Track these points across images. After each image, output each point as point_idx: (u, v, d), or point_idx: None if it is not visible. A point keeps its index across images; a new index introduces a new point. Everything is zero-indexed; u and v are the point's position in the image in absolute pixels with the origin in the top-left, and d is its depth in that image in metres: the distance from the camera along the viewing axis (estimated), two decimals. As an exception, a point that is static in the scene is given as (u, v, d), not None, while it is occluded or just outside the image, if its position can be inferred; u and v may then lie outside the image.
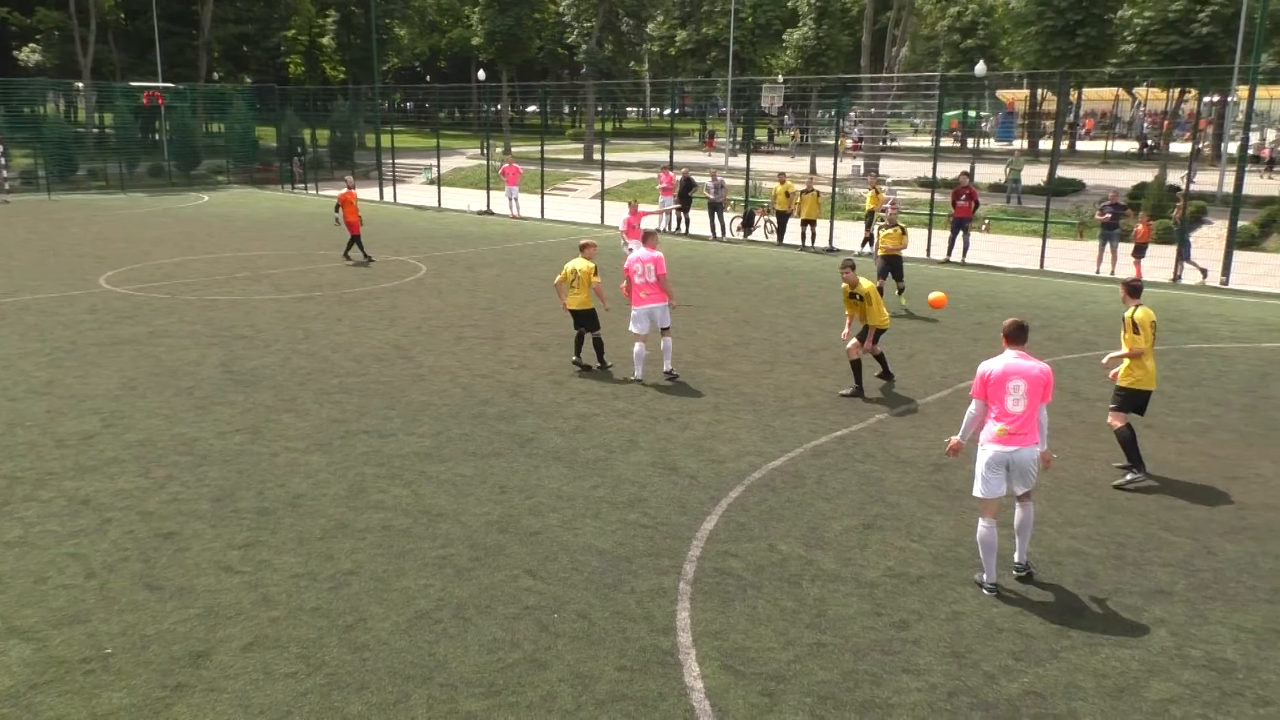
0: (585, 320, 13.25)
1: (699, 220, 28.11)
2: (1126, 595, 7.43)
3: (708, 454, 10.33)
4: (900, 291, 17.74)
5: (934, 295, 13.80)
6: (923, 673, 6.41)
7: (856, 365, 12.40)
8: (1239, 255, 21.48)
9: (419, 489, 9.37)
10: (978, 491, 7.52)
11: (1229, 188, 23.51)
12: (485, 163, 39.98)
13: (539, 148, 34.29)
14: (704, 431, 11.05)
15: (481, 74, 55.92)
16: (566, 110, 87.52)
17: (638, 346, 12.88)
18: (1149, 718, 5.96)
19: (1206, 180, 32.80)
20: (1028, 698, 6.15)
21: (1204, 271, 20.68)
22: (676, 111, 71.46)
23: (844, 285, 12.41)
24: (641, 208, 20.19)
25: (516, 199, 32.38)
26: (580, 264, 13.04)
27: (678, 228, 28.58)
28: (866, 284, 12.33)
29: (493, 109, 61.81)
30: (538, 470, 9.85)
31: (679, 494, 9.28)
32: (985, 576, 7.52)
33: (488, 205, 34.25)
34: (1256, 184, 31.96)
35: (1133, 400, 9.68)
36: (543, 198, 33.20)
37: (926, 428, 11.23)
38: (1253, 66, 22.12)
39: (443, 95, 62.04)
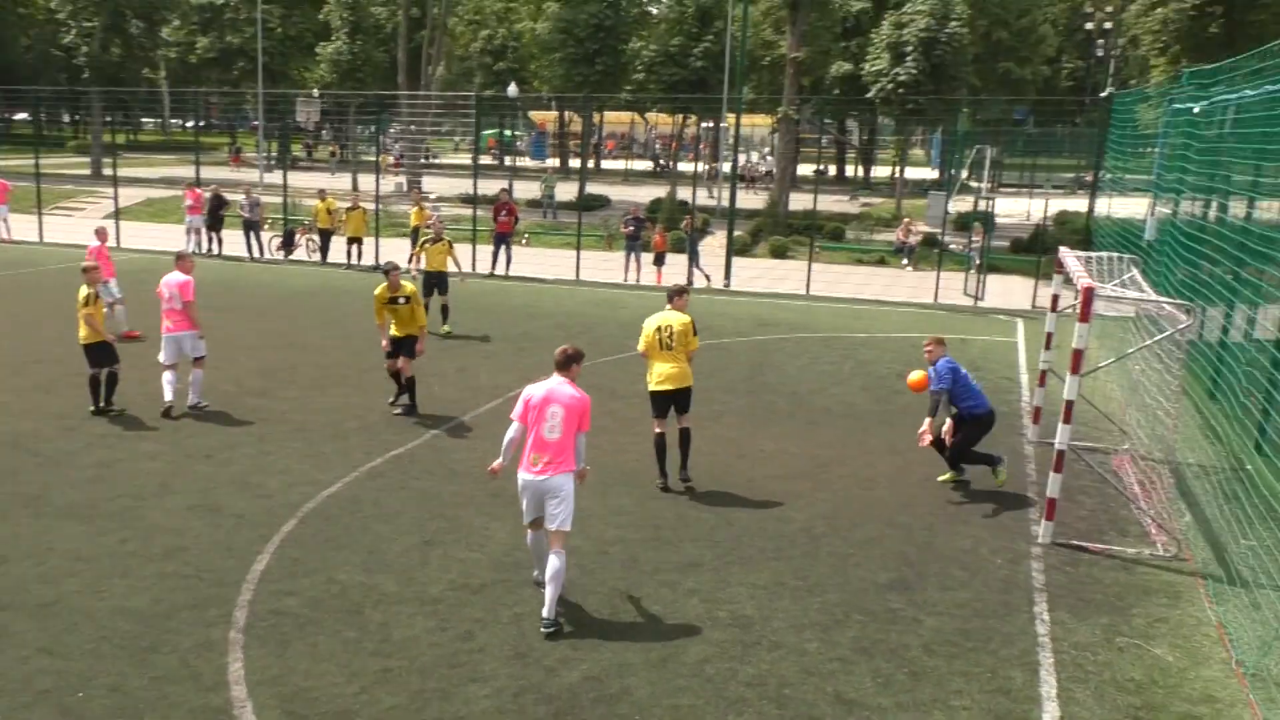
0: (101, 356, 11.83)
1: (234, 240, 26.32)
2: (665, 572, 8.21)
3: (255, 489, 9.72)
4: (444, 315, 17.22)
5: (913, 377, 11.09)
6: (489, 679, 6.58)
7: (399, 377, 12.43)
8: (736, 261, 24.65)
9: (-113, 573, 7.76)
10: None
11: (726, 202, 26.89)
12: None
13: (34, 160, 29.92)
14: (249, 466, 10.37)
15: (-51, 75, 47.67)
16: (68, 119, 77.46)
17: (167, 374, 11.96)
18: (690, 680, 6.64)
19: (706, 196, 37.20)
20: (586, 683, 6.56)
21: (708, 276, 23.45)
22: (202, 124, 66.29)
23: (381, 291, 12.23)
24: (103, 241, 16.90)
25: (6, 219, 28.00)
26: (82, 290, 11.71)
27: (209, 249, 26.53)
28: (411, 286, 12.38)
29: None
30: (49, 531, 8.61)
31: (224, 537, 8.62)
32: (536, 574, 7.78)
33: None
34: (747, 199, 36.90)
35: (653, 404, 10.16)
36: (40, 218, 29.04)
37: (480, 439, 11.52)
38: (738, 97, 25.51)
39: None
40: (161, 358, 12.00)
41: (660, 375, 9.97)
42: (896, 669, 6.81)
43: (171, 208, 34.37)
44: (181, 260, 12.43)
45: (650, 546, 8.71)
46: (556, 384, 7.56)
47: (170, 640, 6.92)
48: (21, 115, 72.01)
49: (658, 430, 10.06)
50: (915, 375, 10.87)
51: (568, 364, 7.66)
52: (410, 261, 23.39)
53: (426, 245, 17.21)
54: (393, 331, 12.37)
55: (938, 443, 10.15)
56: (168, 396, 11.91)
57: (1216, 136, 14.56)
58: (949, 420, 10.23)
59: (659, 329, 9.97)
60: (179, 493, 9.59)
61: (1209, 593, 8.05)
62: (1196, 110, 15.47)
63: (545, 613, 7.23)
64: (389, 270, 12.27)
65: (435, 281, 17.17)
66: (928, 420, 9.95)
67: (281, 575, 7.94)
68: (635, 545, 8.72)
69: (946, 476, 10.45)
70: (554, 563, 7.25)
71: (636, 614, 7.52)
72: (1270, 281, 11.12)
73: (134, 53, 50.03)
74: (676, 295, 10.33)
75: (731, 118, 30.55)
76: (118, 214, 29.38)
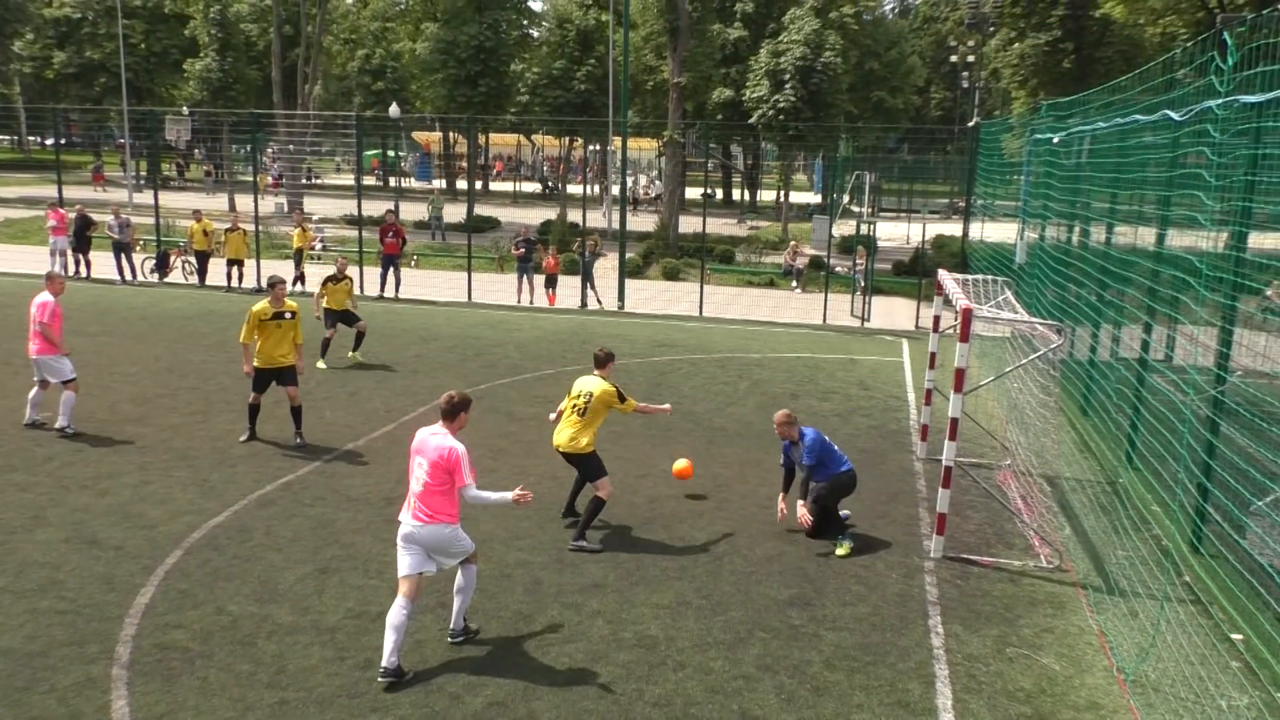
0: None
1: (104, 262, 25.12)
2: (569, 594, 8.17)
3: (136, 520, 9.27)
4: (357, 343, 16.71)
5: (679, 466, 10.83)
6: (391, 708, 6.42)
7: (256, 414, 11.93)
8: (629, 283, 24.83)
9: None
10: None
11: (617, 224, 27.10)
12: None
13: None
14: (130, 495, 9.89)
15: None
16: (-90, 135, 72.83)
17: (32, 392, 11.93)
18: (596, 702, 6.61)
19: (597, 218, 37.41)
20: (491, 709, 6.47)
21: (600, 300, 23.55)
22: (63, 141, 63.15)
23: (261, 307, 11.60)
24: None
25: None
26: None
27: (77, 271, 25.25)
28: (294, 304, 11.98)
29: None
30: (-93, 571, 8.03)
31: (104, 569, 8.19)
32: (384, 660, 6.68)
33: None
34: (637, 221, 37.27)
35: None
36: (-115, 239, 27.18)
37: (375, 463, 11.27)
38: (623, 121, 25.80)
39: None
40: (35, 378, 12.00)
41: (555, 436, 9.45)
42: (799, 685, 6.93)
43: (33, 229, 32.61)
44: (50, 281, 12.09)
45: (553, 569, 8.65)
46: (429, 434, 7.06)
47: (47, 679, 6.53)
48: None
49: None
50: (680, 464, 10.59)
51: (453, 413, 7.09)
52: (295, 283, 22.78)
53: (330, 285, 16.34)
54: (256, 362, 11.59)
55: (816, 525, 9.43)
56: (27, 414, 11.95)
57: (1075, 165, 15.46)
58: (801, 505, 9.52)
59: (576, 395, 9.38)
60: (53, 525, 9.07)
61: (1090, 602, 8.45)
62: (1056, 140, 16.40)
63: (453, 623, 7.30)
64: (274, 284, 11.75)
65: (340, 317, 16.39)
66: (801, 503, 9.44)
67: (167, 608, 7.58)
68: (538, 568, 8.65)
69: (844, 550, 9.24)
70: (461, 579, 7.20)
71: (541, 637, 7.45)
72: (1130, 303, 11.85)
73: (-16, 66, 47.43)
74: (602, 363, 9.61)
75: (618, 141, 30.88)
76: (-27, 233, 27.74)
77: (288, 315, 11.79)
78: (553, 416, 9.76)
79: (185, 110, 47.26)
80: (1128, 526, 8.58)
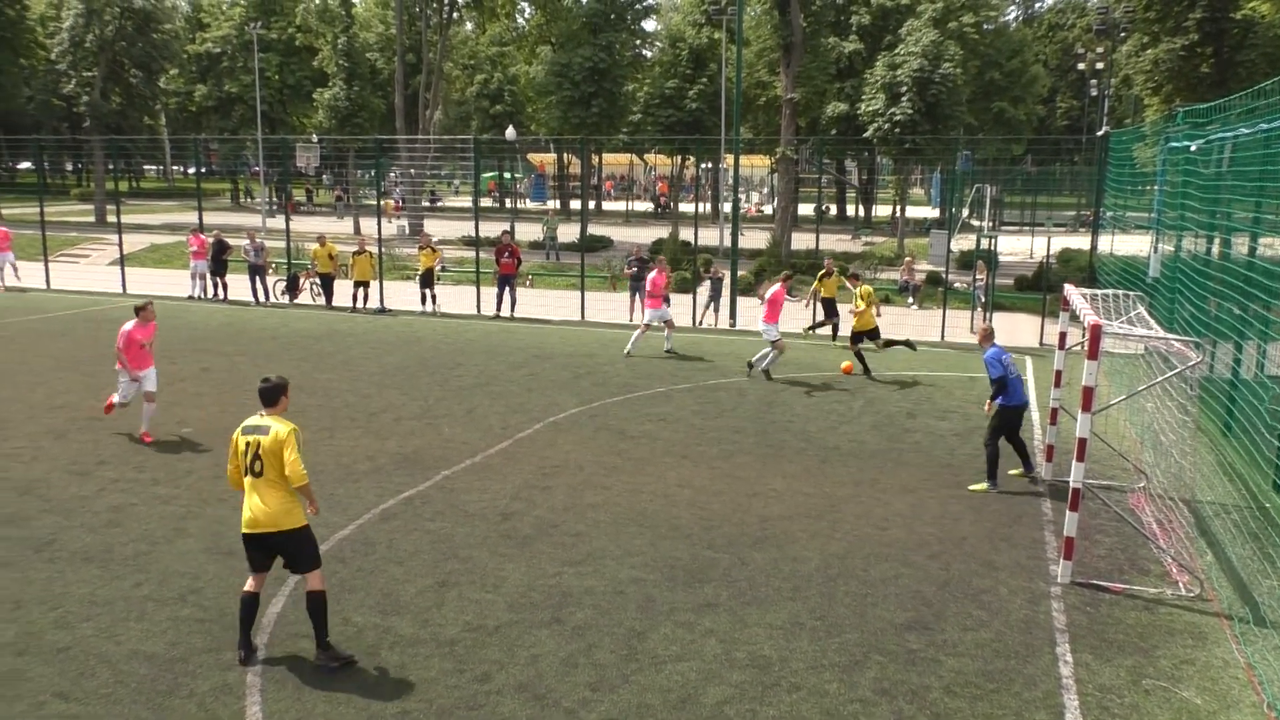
0: None
1: (239, 285, 26.43)
2: (681, 612, 8.16)
3: (268, 532, 9.67)
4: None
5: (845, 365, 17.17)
6: (509, 721, 6.52)
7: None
8: (740, 300, 24.73)
9: (-100, 620, 7.71)
10: None
11: (729, 242, 27.04)
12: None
13: (38, 209, 30.08)
14: (262, 509, 10.33)
15: (-48, 125, 48.06)
16: (70, 168, 78.12)
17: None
18: (710, 721, 6.57)
19: (710, 236, 37.42)
20: (606, 725, 6.50)
21: (715, 319, 23.54)
22: (203, 170, 66.76)
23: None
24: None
25: (14, 266, 28.10)
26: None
27: (215, 294, 26.64)
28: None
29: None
30: (62, 576, 8.57)
31: (239, 580, 8.50)
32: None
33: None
34: (749, 238, 37.13)
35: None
36: (47, 265, 29.18)
37: (492, 479, 11.49)
38: (735, 138, 25.77)
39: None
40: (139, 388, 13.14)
41: (246, 511, 7.17)
42: (919, 711, 6.75)
43: (176, 253, 34.53)
44: (144, 311, 13.21)
45: (666, 587, 8.66)
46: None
47: (187, 684, 6.87)
48: (25, 164, 72.62)
49: (247, 588, 7.31)
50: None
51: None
52: (425, 302, 23.38)
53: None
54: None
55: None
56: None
57: (1215, 174, 14.70)
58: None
59: (246, 444, 7.16)
60: (193, 536, 9.56)
61: (1235, 634, 7.98)
62: (1193, 148, 15.62)
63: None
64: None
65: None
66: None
67: (297, 618, 7.87)
68: (650, 585, 8.67)
69: (979, 487, 11.41)
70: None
71: (654, 655, 7.46)
72: (1278, 316, 11.18)
73: (134, 101, 50.58)
74: (271, 399, 7.30)
75: (729, 158, 30.84)
76: (123, 260, 29.55)
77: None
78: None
79: (314, 138, 49.47)
80: (1276, 556, 8.07)
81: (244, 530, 7.21)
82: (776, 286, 17.53)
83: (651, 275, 19.74)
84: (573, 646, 7.54)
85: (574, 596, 8.38)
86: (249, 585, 7.29)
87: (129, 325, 12.96)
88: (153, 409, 12.98)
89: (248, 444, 7.14)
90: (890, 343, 18.19)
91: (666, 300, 20.12)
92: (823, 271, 20.72)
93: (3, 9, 48.64)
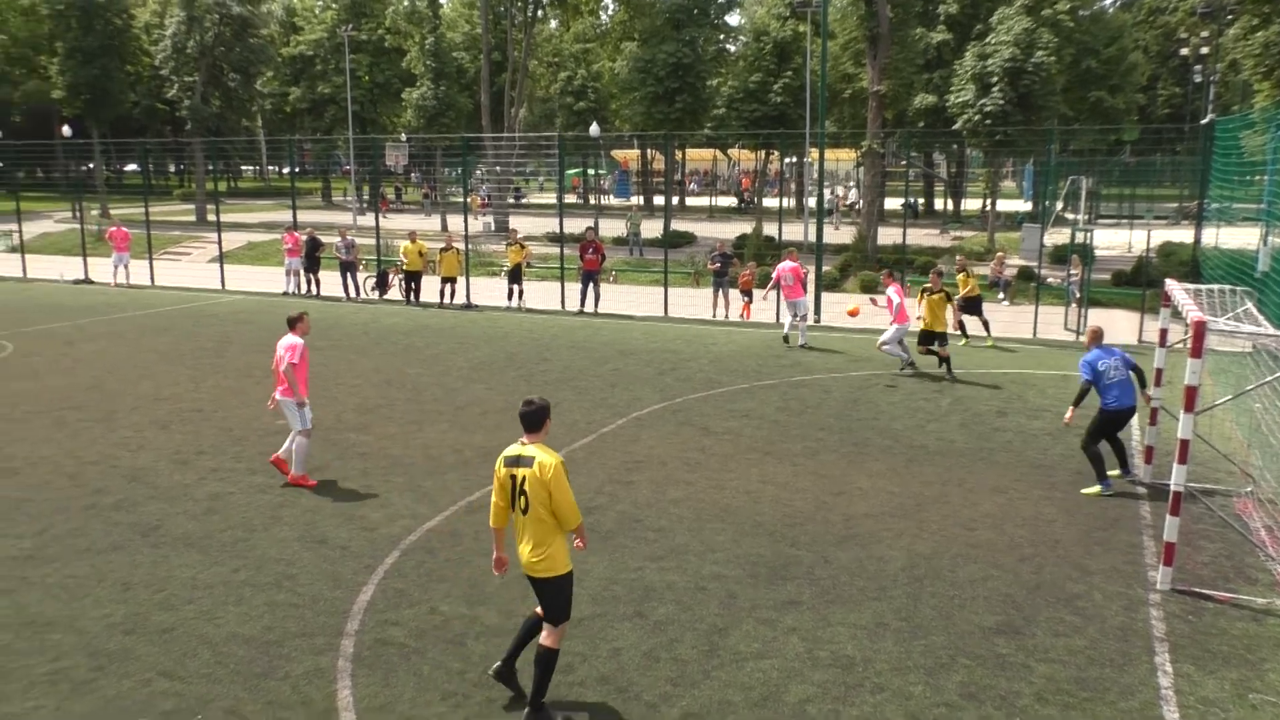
0: None
1: (331, 281, 27.17)
2: (763, 609, 8.11)
3: (359, 522, 9.94)
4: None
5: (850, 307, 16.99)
6: (591, 713, 6.56)
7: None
8: (825, 296, 24.45)
9: (19, 597, 8.14)
10: None
11: (813, 237, 26.77)
12: (79, 226, 35.89)
13: (143, 209, 31.39)
14: (353, 499, 10.62)
15: (67, 129, 50.30)
16: (173, 169, 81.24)
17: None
18: None
19: (794, 231, 37.08)
20: (687, 720, 6.50)
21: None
22: (297, 170, 68.87)
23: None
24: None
25: (126, 265, 29.36)
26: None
27: (309, 290, 27.42)
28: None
29: (83, 168, 55.73)
30: (167, 560, 8.94)
31: (330, 567, 8.82)
32: None
33: (85, 273, 30.75)
34: (835, 233, 36.71)
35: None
36: (151, 263, 30.42)
37: (576, 474, 11.52)
38: (820, 132, 25.46)
39: (20, 153, 54.68)
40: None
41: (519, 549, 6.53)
42: (1007, 717, 6.59)
43: (271, 251, 35.63)
44: (300, 322, 11.16)
45: (748, 584, 8.62)
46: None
47: (282, 666, 7.09)
48: (131, 166, 75.76)
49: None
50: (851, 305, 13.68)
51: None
52: (510, 298, 23.69)
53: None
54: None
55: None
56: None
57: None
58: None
59: (510, 477, 6.46)
60: (287, 524, 9.87)
61: (1348, 645, 7.62)
62: (1308, 135, 14.90)
63: None
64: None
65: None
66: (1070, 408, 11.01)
67: (386, 606, 8.07)
68: (732, 582, 8.64)
69: (1092, 491, 10.97)
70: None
71: (735, 651, 7.43)
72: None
73: (232, 104, 52.34)
74: (534, 423, 6.47)
75: (815, 152, 30.52)
76: (222, 258, 30.65)
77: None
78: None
79: (403, 137, 50.48)
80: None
81: (525, 572, 6.58)
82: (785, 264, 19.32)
83: (783, 266, 19.94)
84: (654, 641, 7.56)
85: (656, 591, 8.40)
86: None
87: (298, 340, 10.95)
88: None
89: (511, 476, 6.41)
90: (941, 344, 16.84)
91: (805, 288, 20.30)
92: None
93: (110, 19, 50.75)
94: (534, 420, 6.45)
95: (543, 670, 6.45)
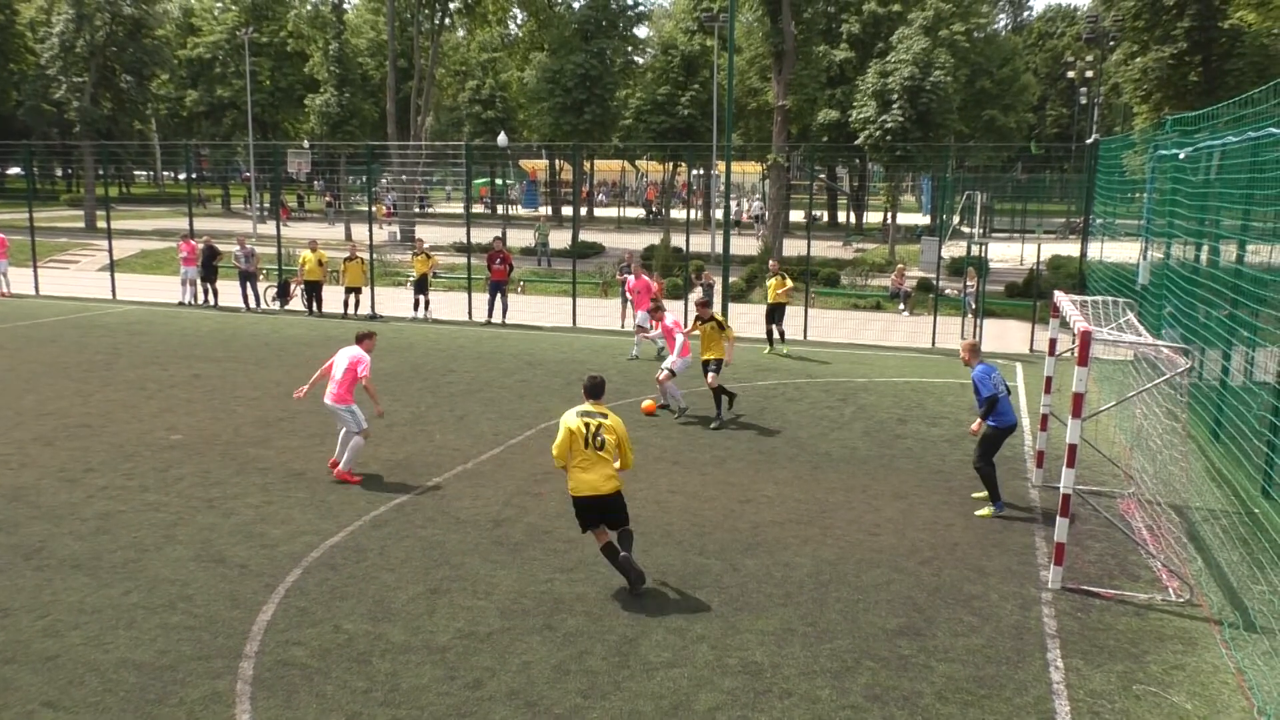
0: None
1: (229, 291, 26.38)
2: (673, 618, 8.15)
3: (259, 539, 9.65)
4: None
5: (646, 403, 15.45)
6: (500, 728, 6.50)
7: None
8: (732, 306, 24.75)
9: (-113, 628, 7.66)
10: None
11: (720, 249, 27.12)
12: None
13: (27, 214, 29.98)
14: (252, 515, 10.31)
15: (-58, 129, 47.83)
16: (60, 173, 77.89)
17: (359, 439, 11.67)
18: (701, 727, 6.56)
19: (700, 242, 37.45)
20: (598, 732, 6.48)
21: None
22: (194, 176, 66.67)
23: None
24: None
25: (5, 273, 27.98)
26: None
27: (205, 300, 26.57)
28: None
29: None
30: (51, 584, 8.52)
31: (229, 587, 8.54)
32: None
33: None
34: (740, 245, 37.20)
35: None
36: (36, 271, 29.08)
37: (484, 486, 11.47)
38: (726, 145, 25.82)
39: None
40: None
41: (584, 479, 8.61)
42: (910, 717, 6.75)
43: (166, 259, 34.45)
44: (369, 339, 11.95)
45: (657, 593, 8.64)
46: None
47: (176, 692, 6.83)
48: (14, 170, 72.38)
49: (600, 543, 8.82)
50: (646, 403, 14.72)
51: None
52: (417, 309, 23.42)
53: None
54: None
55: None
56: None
57: (1204, 181, 14.78)
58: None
59: (586, 425, 8.61)
60: (183, 543, 9.52)
61: (1225, 639, 8.00)
62: (1182, 156, 15.71)
63: None
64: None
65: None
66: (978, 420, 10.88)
67: (287, 625, 7.85)
68: (642, 592, 8.65)
69: (985, 513, 10.83)
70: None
71: (645, 661, 7.45)
72: (1266, 323, 11.25)
73: (124, 107, 50.42)
74: (597, 392, 8.97)
75: (721, 165, 30.93)
76: (113, 266, 29.46)
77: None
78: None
79: (306, 143, 49.42)
80: (1265, 561, 8.10)
81: (583, 494, 8.52)
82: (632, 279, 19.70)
83: (633, 281, 20.24)
84: (564, 653, 7.53)
85: (565, 603, 8.37)
86: (599, 540, 8.72)
87: (366, 355, 11.66)
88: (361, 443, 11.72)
89: (587, 424, 8.53)
90: (721, 391, 14.84)
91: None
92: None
93: (-8, 14, 48.49)
94: (597, 390, 8.81)
95: (630, 540, 8.71)
